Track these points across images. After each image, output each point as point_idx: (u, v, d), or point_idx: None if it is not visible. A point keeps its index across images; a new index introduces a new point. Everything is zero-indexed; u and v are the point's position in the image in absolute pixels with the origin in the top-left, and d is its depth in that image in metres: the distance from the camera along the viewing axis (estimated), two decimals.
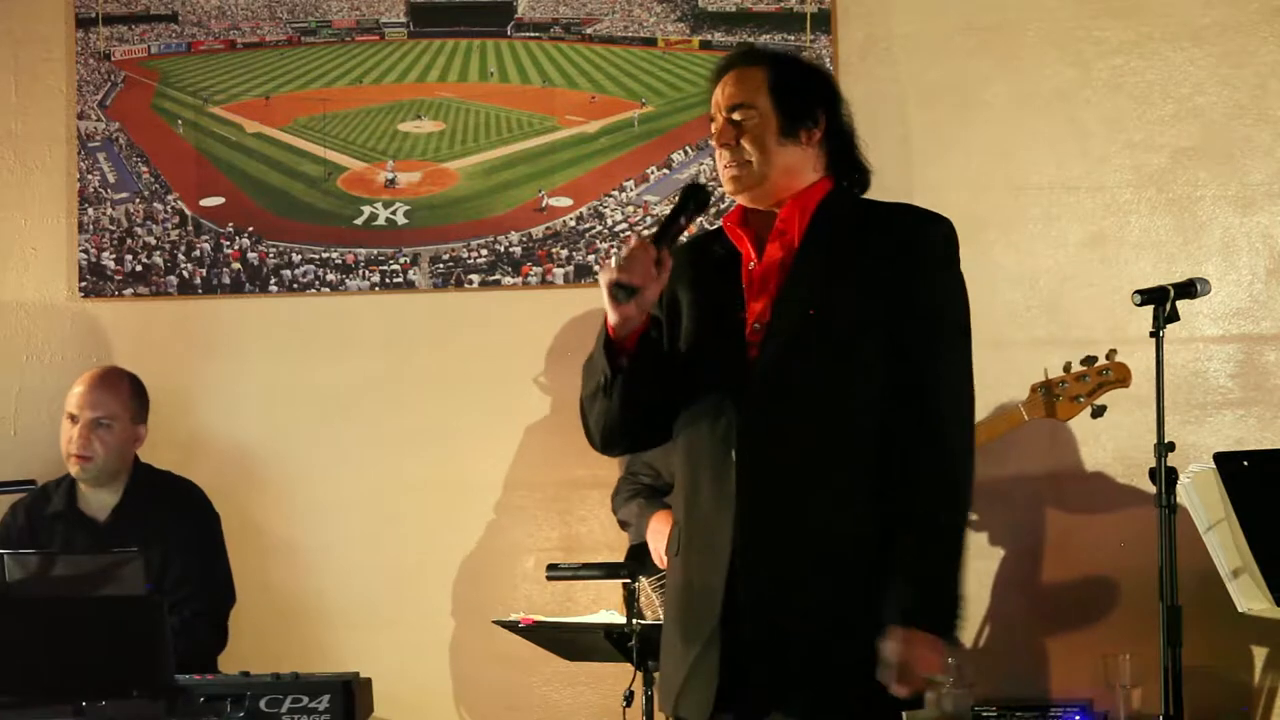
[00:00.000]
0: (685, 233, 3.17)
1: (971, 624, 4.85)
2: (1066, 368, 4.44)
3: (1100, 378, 4.43)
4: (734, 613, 2.98)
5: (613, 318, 3.02)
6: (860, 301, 3.03)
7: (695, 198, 3.14)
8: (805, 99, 3.16)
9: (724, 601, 2.99)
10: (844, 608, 2.97)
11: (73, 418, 4.69)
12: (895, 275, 3.03)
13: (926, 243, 3.09)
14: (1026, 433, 4.83)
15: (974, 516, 4.85)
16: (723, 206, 4.21)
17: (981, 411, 4.47)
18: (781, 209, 3.14)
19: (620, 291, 2.98)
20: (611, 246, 5.10)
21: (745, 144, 3.13)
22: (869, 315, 3.02)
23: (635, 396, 3.07)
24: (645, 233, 3.04)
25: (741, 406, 3.02)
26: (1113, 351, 4.42)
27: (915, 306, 3.03)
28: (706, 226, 4.14)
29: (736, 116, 3.14)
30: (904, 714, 3.07)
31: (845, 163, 3.20)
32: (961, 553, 3.00)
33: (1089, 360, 4.42)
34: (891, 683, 2.91)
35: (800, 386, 3.02)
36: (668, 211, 3.14)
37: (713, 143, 3.19)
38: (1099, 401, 4.43)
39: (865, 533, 2.98)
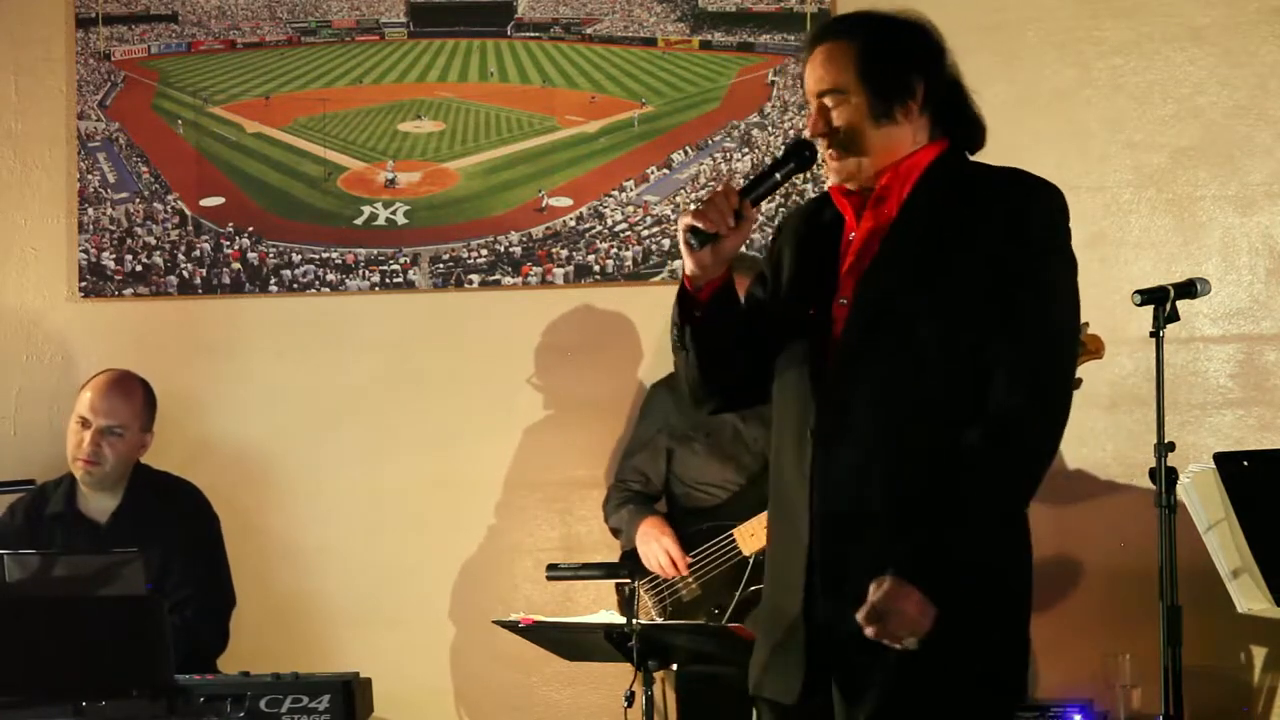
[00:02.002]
0: (777, 189, 3.01)
1: None
2: None
3: None
4: (815, 599, 2.87)
5: (688, 266, 2.89)
6: (957, 280, 2.85)
7: (798, 156, 2.97)
8: (898, 73, 2.95)
9: (805, 587, 2.88)
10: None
11: (84, 422, 4.67)
12: (999, 254, 2.85)
13: (1033, 215, 2.90)
14: None
15: None
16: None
17: None
18: (881, 176, 2.96)
19: (694, 236, 2.85)
20: (611, 246, 5.10)
21: (840, 132, 2.94)
22: (963, 297, 2.84)
23: (712, 348, 2.94)
24: (735, 180, 2.84)
25: (819, 386, 2.89)
26: (1085, 324, 4.35)
27: (1020, 284, 2.84)
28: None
29: (827, 103, 2.94)
30: None
31: (954, 119, 3.02)
32: (995, 536, 2.83)
33: None
34: (864, 622, 2.78)
35: (881, 370, 2.85)
36: (765, 166, 2.95)
37: (807, 128, 3.00)
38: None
39: (948, 528, 2.82)
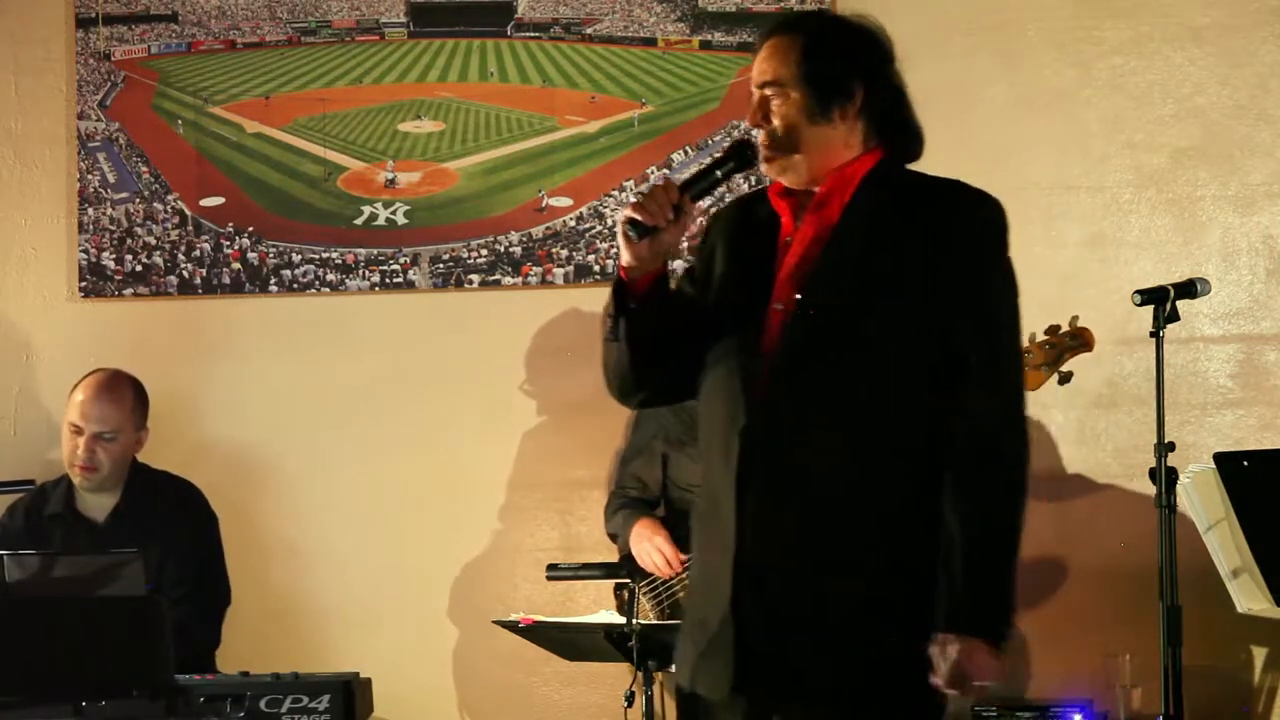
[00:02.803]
0: (717, 186, 3.03)
1: None
2: (1031, 338, 4.36)
3: (1064, 343, 4.35)
4: (743, 599, 2.89)
5: (625, 257, 2.91)
6: (895, 290, 2.87)
7: (739, 155, 2.99)
8: (838, 74, 2.97)
9: (733, 582, 2.89)
10: (852, 603, 2.86)
11: (76, 429, 4.66)
12: (939, 268, 2.87)
13: (973, 227, 2.92)
14: None
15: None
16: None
17: None
18: (822, 183, 2.97)
19: (633, 229, 2.87)
20: (611, 246, 5.10)
21: (775, 123, 2.97)
22: (902, 309, 2.87)
23: (644, 341, 2.95)
24: (677, 176, 2.89)
25: (752, 386, 2.90)
26: (1075, 318, 4.35)
27: (961, 304, 2.86)
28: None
29: (767, 94, 2.97)
30: None
31: (890, 130, 3.02)
32: (1016, 557, 2.87)
33: (1053, 329, 4.35)
34: (947, 688, 2.82)
35: (816, 375, 2.87)
36: (706, 162, 2.98)
37: (745, 120, 3.03)
38: (1065, 368, 4.36)
39: (886, 529, 2.86)
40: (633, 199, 2.91)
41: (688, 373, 3.02)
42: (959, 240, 2.90)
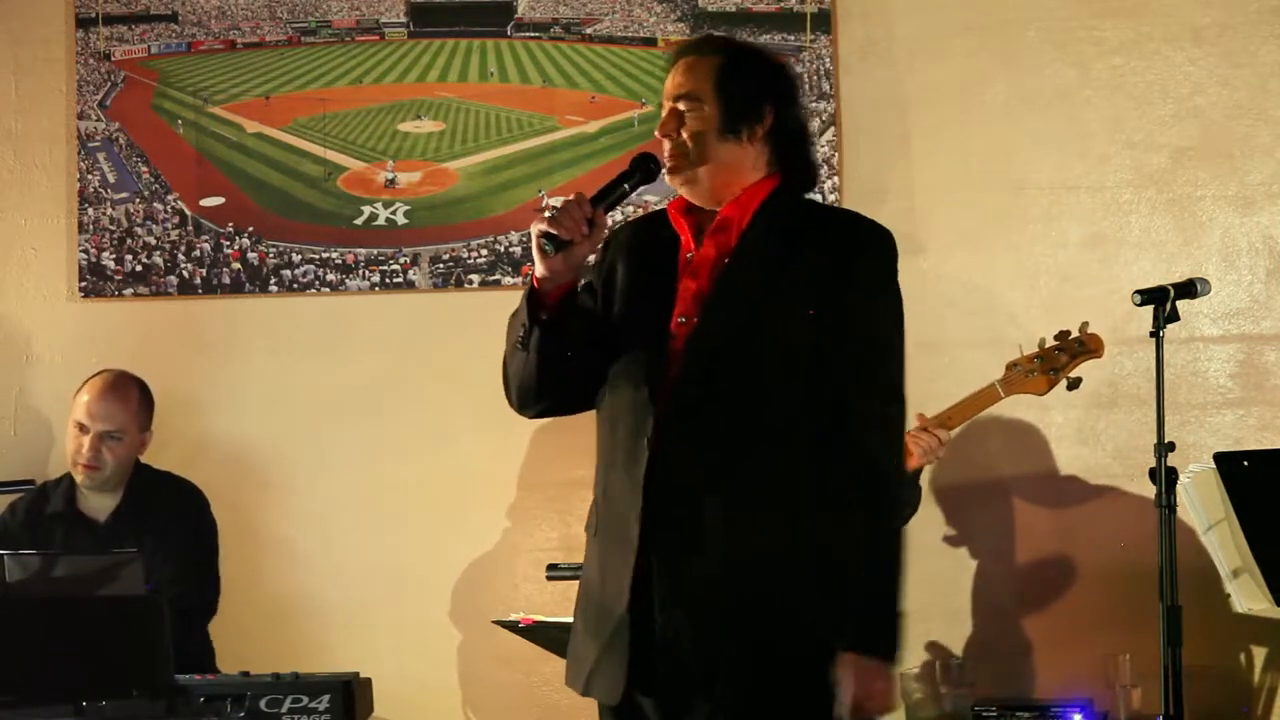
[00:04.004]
0: (625, 199, 3.15)
1: (973, 624, 4.86)
2: (1041, 343, 4.39)
3: (1073, 348, 4.38)
4: (640, 603, 2.97)
5: (539, 269, 3.00)
6: (791, 312, 2.99)
7: (644, 167, 3.10)
8: (751, 95, 3.10)
9: (631, 589, 2.97)
10: (752, 610, 2.95)
11: (82, 427, 4.66)
12: (830, 290, 2.99)
13: (864, 257, 3.05)
14: (1027, 432, 4.84)
15: (951, 530, 4.90)
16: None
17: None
18: (723, 206, 3.09)
19: (548, 243, 2.96)
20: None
21: (685, 136, 3.08)
22: (798, 327, 2.99)
23: (552, 352, 3.03)
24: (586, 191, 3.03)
25: (657, 399, 2.99)
26: (1085, 324, 4.38)
27: (848, 324, 2.99)
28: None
29: (680, 107, 3.09)
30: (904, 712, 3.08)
31: (792, 159, 3.14)
32: (901, 574, 2.98)
33: (1062, 334, 4.38)
34: (847, 715, 2.91)
35: (718, 390, 2.98)
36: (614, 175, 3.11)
37: (655, 131, 3.14)
38: (1074, 374, 4.39)
39: (779, 539, 2.96)
40: (546, 213, 3.00)
41: (590, 384, 3.12)
42: (850, 269, 3.02)
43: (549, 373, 3.07)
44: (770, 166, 3.12)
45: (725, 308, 3.02)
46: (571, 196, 3.02)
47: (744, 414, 2.98)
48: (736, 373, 2.99)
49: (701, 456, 2.98)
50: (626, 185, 3.10)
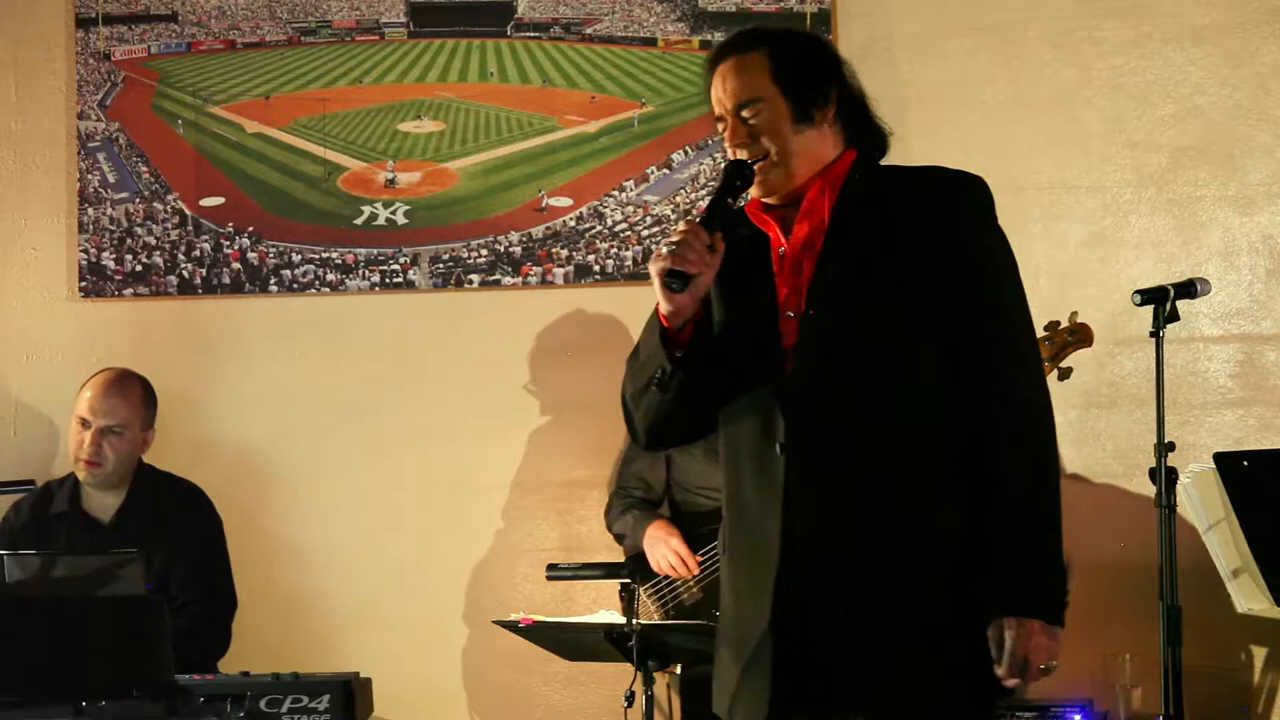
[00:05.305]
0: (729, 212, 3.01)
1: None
2: None
3: (1063, 339, 4.35)
4: (785, 616, 2.85)
5: (665, 308, 2.86)
6: (900, 279, 2.87)
7: (740, 174, 2.96)
8: (814, 78, 2.98)
9: (774, 604, 2.85)
10: (913, 607, 2.83)
11: (84, 422, 4.67)
12: (935, 244, 2.87)
13: (961, 204, 2.92)
14: None
15: None
16: None
17: None
18: (809, 189, 2.96)
19: (674, 280, 2.82)
20: (611, 246, 5.10)
21: (763, 141, 2.95)
22: (911, 292, 2.86)
23: (692, 391, 2.91)
24: (693, 217, 2.83)
25: (785, 400, 2.86)
26: (1074, 313, 4.35)
27: (965, 275, 2.87)
28: None
29: (745, 114, 2.96)
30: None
31: (863, 129, 3.03)
32: (1059, 530, 2.85)
33: (1052, 325, 4.35)
34: (1010, 676, 2.79)
35: (846, 376, 2.85)
36: (713, 194, 2.96)
37: (725, 144, 3.00)
38: (1064, 364, 4.36)
39: (932, 527, 2.84)
40: (663, 250, 2.85)
41: (714, 412, 3.00)
42: (951, 221, 2.91)
43: (687, 409, 2.96)
44: (844, 141, 3.01)
45: (833, 290, 2.89)
46: (683, 226, 2.86)
47: (875, 393, 2.85)
48: (859, 352, 2.86)
49: (842, 446, 2.85)
50: (729, 199, 2.95)
